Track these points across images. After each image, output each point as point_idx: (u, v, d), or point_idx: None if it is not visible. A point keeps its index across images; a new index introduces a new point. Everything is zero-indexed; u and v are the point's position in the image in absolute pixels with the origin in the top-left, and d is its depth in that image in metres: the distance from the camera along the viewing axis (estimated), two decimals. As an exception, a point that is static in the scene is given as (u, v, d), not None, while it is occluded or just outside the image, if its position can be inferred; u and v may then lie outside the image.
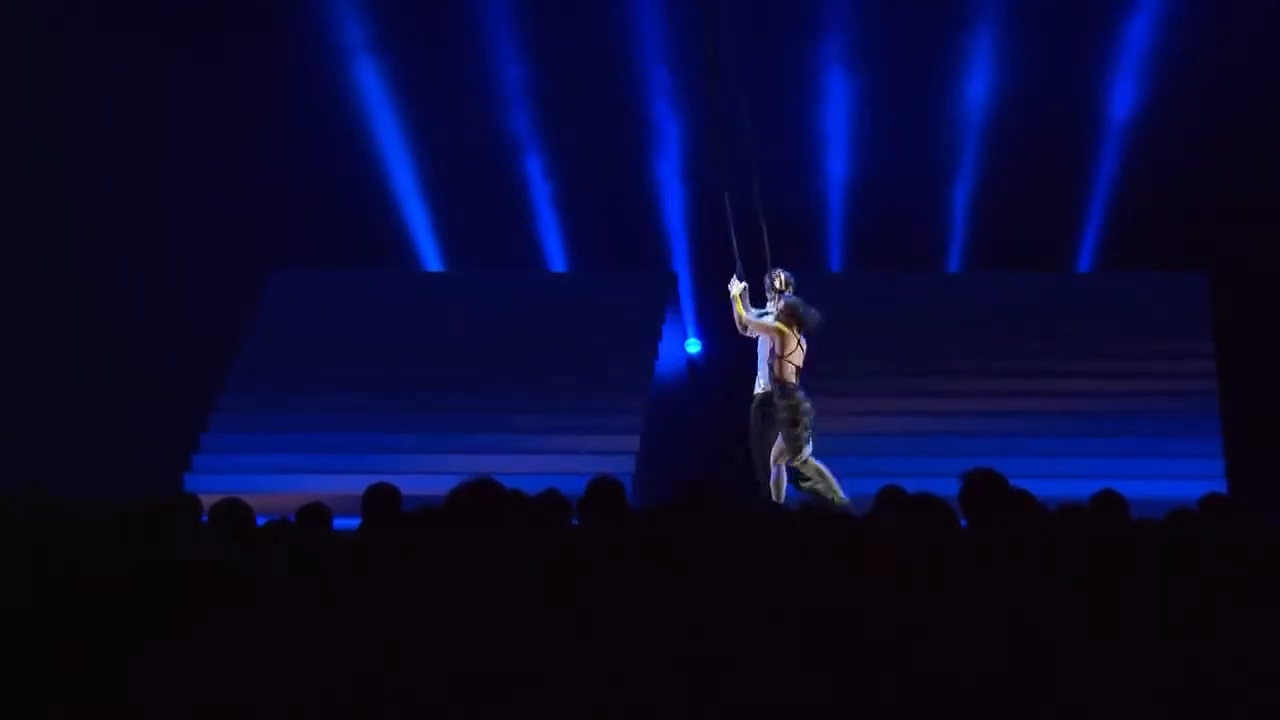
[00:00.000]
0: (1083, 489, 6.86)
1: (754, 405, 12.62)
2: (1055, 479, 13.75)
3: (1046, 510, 6.26)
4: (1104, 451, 16.44)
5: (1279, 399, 17.06)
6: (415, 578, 5.16)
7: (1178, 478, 15.21)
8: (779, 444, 12.40)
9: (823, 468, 12.39)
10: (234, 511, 6.58)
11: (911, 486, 6.33)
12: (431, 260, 19.68)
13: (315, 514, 6.92)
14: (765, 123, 16.65)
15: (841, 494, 12.27)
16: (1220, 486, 15.25)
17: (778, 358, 12.37)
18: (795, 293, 12.53)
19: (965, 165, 18.93)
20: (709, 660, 4.69)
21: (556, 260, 19.67)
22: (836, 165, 19.13)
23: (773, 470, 12.48)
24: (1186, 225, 18.19)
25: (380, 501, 7.12)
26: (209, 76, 18.25)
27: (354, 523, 7.35)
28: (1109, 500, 6.29)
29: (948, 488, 6.62)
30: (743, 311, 12.52)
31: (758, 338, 12.56)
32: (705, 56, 12.77)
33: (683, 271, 19.38)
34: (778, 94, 18.61)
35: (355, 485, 7.37)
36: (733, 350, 13.90)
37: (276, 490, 14.80)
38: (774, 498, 12.41)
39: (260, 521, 6.83)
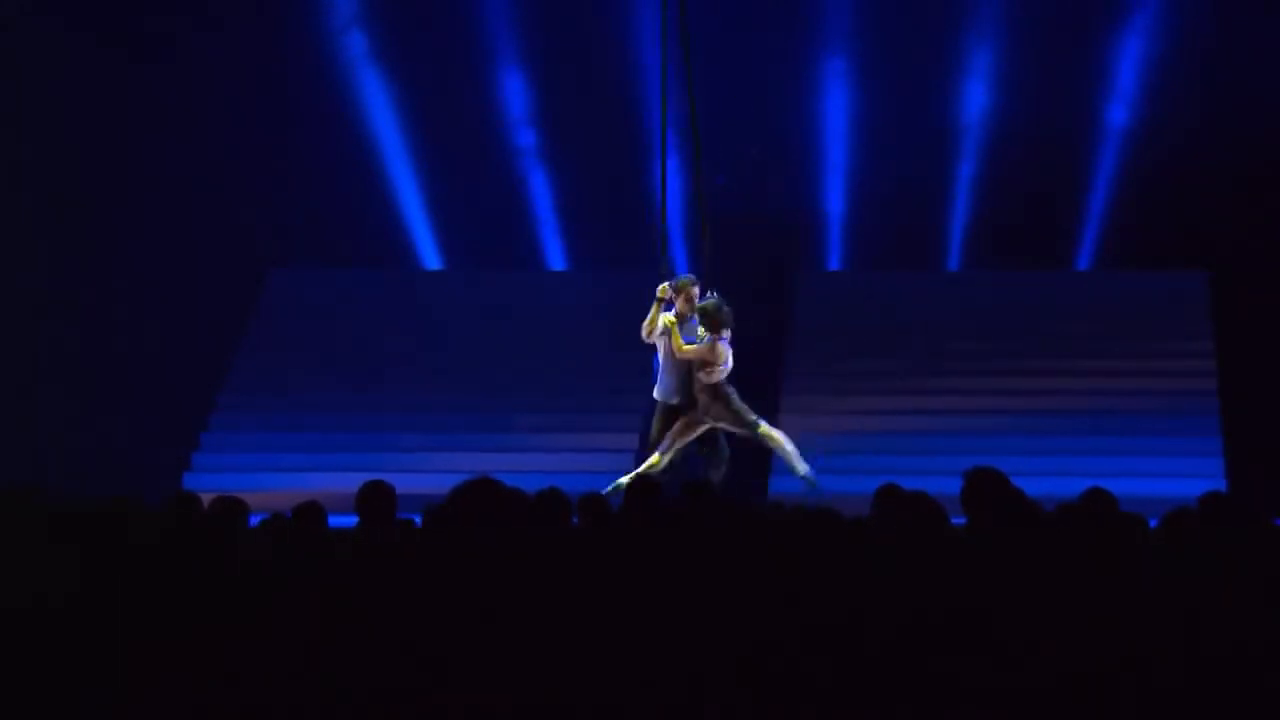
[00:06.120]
0: (1082, 488, 6.84)
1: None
2: (1055, 477, 13.72)
3: (1044, 510, 6.27)
4: (1104, 451, 16.42)
5: (1279, 399, 17.05)
6: (415, 576, 5.16)
7: (1178, 477, 15.19)
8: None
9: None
10: (228, 509, 6.58)
11: (911, 485, 6.34)
12: (431, 260, 19.66)
13: (310, 512, 6.92)
14: (766, 123, 16.74)
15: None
16: (1220, 486, 15.24)
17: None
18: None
19: (966, 165, 18.92)
20: (709, 658, 4.69)
21: (556, 260, 19.65)
22: (838, 165, 19.11)
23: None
24: (1186, 225, 18.18)
25: (375, 499, 7.12)
26: (210, 76, 18.24)
27: (353, 521, 7.35)
28: (1096, 497, 6.27)
29: (948, 486, 6.63)
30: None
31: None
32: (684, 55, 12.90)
33: (682, 271, 19.32)
34: (781, 95, 18.63)
35: (355, 484, 7.37)
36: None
37: (276, 489, 14.79)
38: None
39: (258, 520, 6.84)
